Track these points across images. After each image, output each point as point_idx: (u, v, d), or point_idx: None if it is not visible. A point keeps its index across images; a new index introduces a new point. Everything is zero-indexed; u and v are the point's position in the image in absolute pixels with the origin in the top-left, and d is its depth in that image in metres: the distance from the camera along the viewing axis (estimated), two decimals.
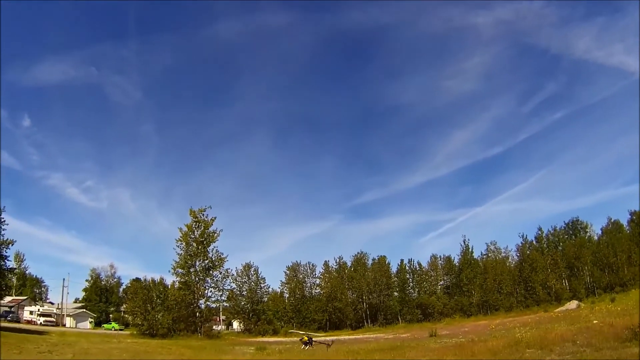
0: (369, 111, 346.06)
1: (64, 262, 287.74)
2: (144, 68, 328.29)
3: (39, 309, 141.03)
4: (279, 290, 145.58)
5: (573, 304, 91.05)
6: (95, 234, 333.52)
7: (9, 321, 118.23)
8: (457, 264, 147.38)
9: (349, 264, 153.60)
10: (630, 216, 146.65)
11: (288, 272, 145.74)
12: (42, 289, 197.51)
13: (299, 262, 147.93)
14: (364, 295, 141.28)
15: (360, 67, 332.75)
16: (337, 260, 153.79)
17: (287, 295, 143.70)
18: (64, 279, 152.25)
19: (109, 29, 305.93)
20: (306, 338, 59.09)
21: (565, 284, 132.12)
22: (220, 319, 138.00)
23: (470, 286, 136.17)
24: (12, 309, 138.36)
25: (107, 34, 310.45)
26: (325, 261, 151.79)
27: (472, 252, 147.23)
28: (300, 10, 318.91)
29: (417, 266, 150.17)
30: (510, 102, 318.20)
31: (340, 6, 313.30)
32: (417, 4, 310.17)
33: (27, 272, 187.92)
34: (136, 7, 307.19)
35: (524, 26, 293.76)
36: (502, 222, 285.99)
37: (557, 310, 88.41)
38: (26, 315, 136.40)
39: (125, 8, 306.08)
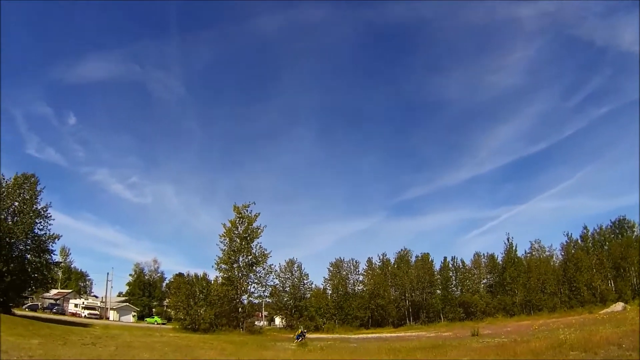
0: (412, 106, 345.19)
1: (108, 256, 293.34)
2: (186, 64, 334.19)
3: (83, 302, 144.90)
4: (321, 286, 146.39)
5: (619, 306, 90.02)
6: (139, 229, 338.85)
7: (55, 313, 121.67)
8: (500, 263, 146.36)
9: (392, 261, 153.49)
10: None
11: (331, 268, 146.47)
12: (87, 282, 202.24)
13: (342, 258, 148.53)
14: (406, 293, 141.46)
15: (403, 61, 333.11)
16: (381, 257, 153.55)
17: (330, 292, 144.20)
18: (108, 273, 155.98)
19: (150, 26, 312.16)
20: (299, 331, 59.95)
21: (611, 284, 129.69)
22: (263, 314, 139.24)
23: (514, 285, 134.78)
24: (58, 301, 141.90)
25: (149, 31, 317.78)
26: (369, 258, 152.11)
27: (515, 250, 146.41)
28: (340, 3, 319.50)
29: (461, 264, 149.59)
30: (554, 96, 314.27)
31: None
32: None
33: (72, 266, 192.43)
34: (177, 4, 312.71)
35: (568, 18, 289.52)
36: (546, 220, 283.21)
37: (602, 312, 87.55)
38: (71, 307, 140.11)
39: (166, 5, 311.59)
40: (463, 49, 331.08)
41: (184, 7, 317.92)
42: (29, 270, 79.04)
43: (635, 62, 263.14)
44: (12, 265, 75.12)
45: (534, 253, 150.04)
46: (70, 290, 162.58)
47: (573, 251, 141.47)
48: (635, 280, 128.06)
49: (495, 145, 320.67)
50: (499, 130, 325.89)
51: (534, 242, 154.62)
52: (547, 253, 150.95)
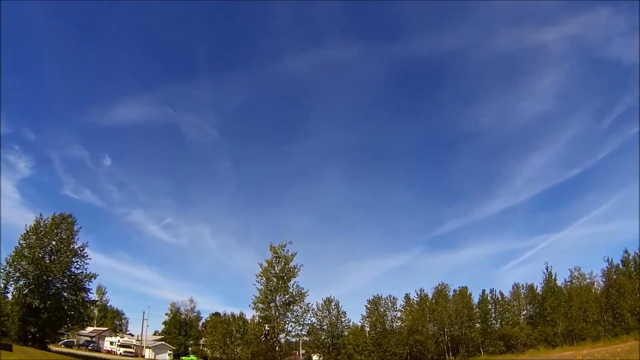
0: (443, 139, 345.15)
1: (144, 295, 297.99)
2: (218, 106, 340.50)
3: (119, 340, 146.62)
4: (359, 324, 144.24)
5: None
6: (175, 269, 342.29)
7: (90, 350, 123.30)
8: (540, 293, 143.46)
9: (430, 295, 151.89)
10: None
11: (369, 305, 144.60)
12: (123, 320, 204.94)
13: (379, 295, 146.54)
14: (445, 328, 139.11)
15: (432, 94, 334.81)
16: (418, 293, 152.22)
17: (368, 329, 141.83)
18: (143, 312, 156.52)
19: (181, 69, 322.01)
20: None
21: None
22: (300, 352, 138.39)
23: (555, 315, 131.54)
24: (93, 338, 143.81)
25: (180, 74, 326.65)
26: (406, 294, 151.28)
27: (555, 279, 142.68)
28: (366, 42, 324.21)
29: (499, 296, 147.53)
30: (586, 119, 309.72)
31: (406, 35, 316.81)
32: (481, 25, 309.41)
33: (108, 304, 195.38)
34: (205, 47, 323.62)
35: (593, 39, 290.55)
36: (585, 246, 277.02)
37: None
38: (106, 345, 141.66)
39: (195, 48, 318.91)
40: (491, 79, 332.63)
41: (212, 49, 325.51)
42: (66, 307, 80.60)
43: None
44: (49, 302, 76.62)
45: (574, 281, 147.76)
46: (106, 328, 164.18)
47: (615, 276, 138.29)
48: None
49: (529, 173, 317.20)
50: (532, 158, 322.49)
51: (573, 270, 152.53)
52: (588, 280, 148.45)
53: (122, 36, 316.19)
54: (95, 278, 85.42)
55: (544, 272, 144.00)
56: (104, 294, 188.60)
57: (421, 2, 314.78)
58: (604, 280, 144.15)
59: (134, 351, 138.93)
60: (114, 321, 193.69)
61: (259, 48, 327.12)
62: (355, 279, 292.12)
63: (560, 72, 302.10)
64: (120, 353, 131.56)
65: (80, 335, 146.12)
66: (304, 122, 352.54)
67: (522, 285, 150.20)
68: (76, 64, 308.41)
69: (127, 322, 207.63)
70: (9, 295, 78.95)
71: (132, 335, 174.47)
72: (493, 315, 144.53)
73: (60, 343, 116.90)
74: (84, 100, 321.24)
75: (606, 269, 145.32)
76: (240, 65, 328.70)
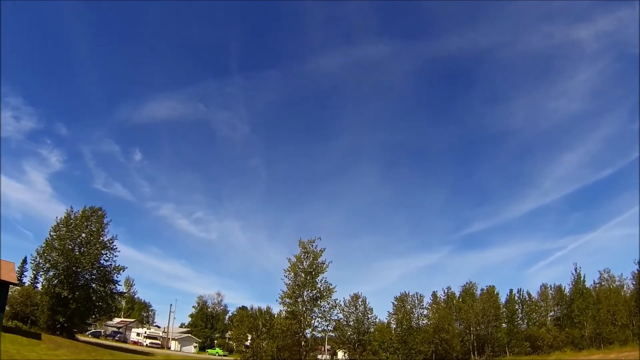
0: (474, 139, 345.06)
1: (172, 288, 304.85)
2: (250, 103, 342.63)
3: (145, 331, 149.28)
4: (386, 320, 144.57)
5: None
6: (204, 263, 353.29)
7: (117, 341, 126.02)
8: (568, 294, 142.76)
9: (457, 294, 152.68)
10: None
11: (395, 302, 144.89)
12: (150, 312, 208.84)
13: (407, 292, 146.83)
14: (471, 327, 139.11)
15: (463, 93, 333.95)
16: (445, 291, 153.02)
17: (394, 326, 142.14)
18: (171, 305, 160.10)
19: (213, 67, 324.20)
20: None
21: None
22: (325, 348, 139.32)
23: (582, 317, 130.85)
24: (120, 329, 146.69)
25: (213, 70, 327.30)
26: (434, 292, 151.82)
27: (584, 281, 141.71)
28: (398, 40, 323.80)
29: (527, 296, 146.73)
30: (619, 118, 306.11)
31: (439, 32, 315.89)
32: (514, 22, 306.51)
33: (136, 296, 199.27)
34: (237, 45, 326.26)
35: (628, 36, 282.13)
36: (616, 248, 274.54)
37: None
38: (133, 336, 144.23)
39: (227, 46, 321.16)
40: (523, 77, 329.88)
41: (244, 46, 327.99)
42: (94, 298, 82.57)
43: None
44: (77, 293, 78.58)
45: (603, 283, 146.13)
46: (133, 320, 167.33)
47: None
48: None
49: (560, 173, 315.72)
50: (563, 158, 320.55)
51: (603, 272, 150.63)
52: (618, 283, 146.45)
53: (156, 34, 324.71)
54: (123, 270, 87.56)
55: (572, 274, 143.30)
56: (132, 286, 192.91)
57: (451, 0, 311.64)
58: (634, 283, 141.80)
59: (160, 343, 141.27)
60: (141, 313, 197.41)
61: (291, 46, 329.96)
62: (384, 276, 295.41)
63: (593, 69, 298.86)
64: (147, 344, 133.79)
65: (108, 326, 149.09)
66: (335, 120, 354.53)
67: (550, 286, 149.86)
68: (109, 60, 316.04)
69: (154, 314, 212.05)
70: (39, 286, 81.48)
71: (158, 327, 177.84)
72: (520, 315, 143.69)
73: (87, 333, 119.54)
74: (116, 96, 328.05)
75: (636, 272, 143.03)
76: (272, 63, 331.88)
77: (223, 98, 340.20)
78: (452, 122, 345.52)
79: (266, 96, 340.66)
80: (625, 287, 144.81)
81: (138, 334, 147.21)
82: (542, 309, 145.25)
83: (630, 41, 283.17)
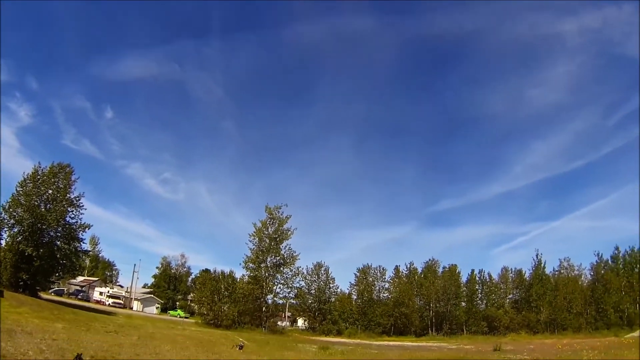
0: (451, 118, 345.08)
1: (137, 248, 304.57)
2: (227, 66, 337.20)
3: (108, 291, 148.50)
4: (347, 291, 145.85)
5: None
6: (169, 224, 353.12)
7: (79, 299, 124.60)
8: (527, 279, 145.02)
9: (419, 270, 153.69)
10: None
11: (358, 274, 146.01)
12: (113, 272, 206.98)
13: (369, 264, 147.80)
14: (431, 303, 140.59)
15: (444, 73, 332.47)
16: (408, 266, 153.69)
17: (355, 297, 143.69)
18: (135, 264, 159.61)
19: (193, 27, 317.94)
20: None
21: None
22: (286, 315, 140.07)
23: (540, 302, 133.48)
24: (83, 288, 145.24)
25: (191, 32, 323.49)
26: (396, 266, 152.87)
27: (544, 267, 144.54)
28: (384, 14, 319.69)
29: (488, 277, 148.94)
30: (595, 114, 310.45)
31: (425, 10, 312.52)
32: (502, 8, 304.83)
33: (100, 255, 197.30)
34: (220, 6, 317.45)
35: (612, 34, 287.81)
36: (578, 238, 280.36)
37: (628, 336, 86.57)
38: (96, 295, 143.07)
39: (209, 7, 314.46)
40: (505, 64, 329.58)
41: (226, 9, 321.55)
42: (58, 256, 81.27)
43: None
44: (41, 250, 77.26)
45: (562, 271, 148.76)
46: (96, 279, 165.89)
47: (603, 272, 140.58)
48: None
49: (531, 161, 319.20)
50: (536, 146, 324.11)
51: (563, 260, 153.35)
52: (576, 272, 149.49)
53: None
54: (89, 229, 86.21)
55: (533, 259, 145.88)
56: (97, 245, 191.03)
57: None
58: (592, 274, 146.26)
59: (122, 302, 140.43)
60: (105, 272, 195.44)
61: (274, 11, 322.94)
62: (349, 247, 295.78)
63: (574, 63, 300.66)
64: (109, 304, 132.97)
65: (71, 284, 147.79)
66: (313, 89, 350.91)
67: (511, 269, 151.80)
68: (86, 14, 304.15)
69: (117, 273, 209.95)
70: (3, 242, 79.69)
71: (121, 287, 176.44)
72: (479, 295, 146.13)
73: (50, 291, 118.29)
74: (90, 51, 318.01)
75: (595, 264, 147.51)
76: (253, 27, 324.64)
77: (200, 59, 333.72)
78: (430, 101, 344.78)
79: (244, 60, 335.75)
80: (583, 276, 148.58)
81: (101, 293, 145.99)
82: (502, 291, 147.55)
83: (613, 40, 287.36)
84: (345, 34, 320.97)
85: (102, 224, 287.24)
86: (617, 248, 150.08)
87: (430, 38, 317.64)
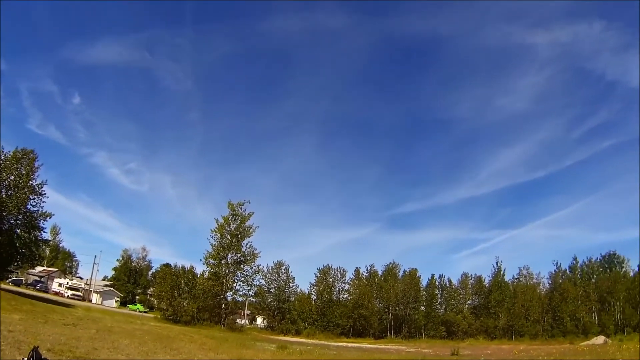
0: (418, 121, 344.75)
1: (98, 239, 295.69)
2: (198, 57, 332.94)
3: (67, 282, 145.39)
4: (307, 291, 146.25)
5: (600, 339, 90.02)
6: (132, 216, 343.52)
7: (38, 290, 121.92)
8: (487, 285, 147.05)
9: (380, 273, 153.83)
10: None
11: (318, 274, 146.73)
12: (73, 263, 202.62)
13: (330, 265, 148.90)
14: (390, 306, 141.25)
15: (415, 75, 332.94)
16: (368, 268, 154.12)
17: (315, 298, 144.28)
18: (95, 256, 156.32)
19: (166, 14, 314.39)
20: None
21: (595, 317, 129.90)
22: (245, 313, 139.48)
23: (498, 309, 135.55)
24: (42, 279, 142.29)
25: (164, 19, 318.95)
26: (357, 268, 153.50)
27: (503, 274, 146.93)
28: (359, 12, 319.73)
29: (447, 282, 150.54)
30: (560, 126, 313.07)
31: (400, 12, 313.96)
32: (477, 15, 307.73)
33: (60, 244, 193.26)
34: None
35: (582, 50, 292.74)
36: (537, 247, 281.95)
37: (583, 343, 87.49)
38: (55, 286, 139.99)
39: None
40: (475, 70, 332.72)
41: None
42: (17, 245, 79.23)
43: None
44: (0, 238, 75.28)
45: (521, 279, 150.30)
46: (56, 269, 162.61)
47: (560, 281, 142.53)
48: (619, 315, 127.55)
49: (496, 168, 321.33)
50: (501, 153, 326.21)
51: (522, 268, 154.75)
52: (535, 280, 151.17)
53: None
54: (50, 217, 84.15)
55: (493, 266, 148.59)
56: (57, 234, 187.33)
57: None
58: (550, 282, 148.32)
59: (81, 294, 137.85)
60: (65, 263, 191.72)
61: (250, 3, 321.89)
62: (310, 246, 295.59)
63: (543, 75, 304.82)
64: (68, 295, 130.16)
65: (30, 274, 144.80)
66: (282, 84, 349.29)
67: (471, 275, 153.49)
68: None
69: (77, 264, 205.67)
70: None
71: (81, 278, 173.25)
72: (439, 300, 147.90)
73: (8, 281, 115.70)
74: (61, 34, 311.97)
75: (553, 273, 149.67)
76: (227, 18, 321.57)
77: (171, 48, 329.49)
78: (399, 102, 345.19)
79: (215, 52, 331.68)
80: (541, 285, 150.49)
81: (60, 285, 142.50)
82: (461, 296, 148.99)
83: (582, 55, 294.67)
84: (318, 30, 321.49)
85: (64, 212, 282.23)
86: (575, 258, 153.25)
87: (403, 39, 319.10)
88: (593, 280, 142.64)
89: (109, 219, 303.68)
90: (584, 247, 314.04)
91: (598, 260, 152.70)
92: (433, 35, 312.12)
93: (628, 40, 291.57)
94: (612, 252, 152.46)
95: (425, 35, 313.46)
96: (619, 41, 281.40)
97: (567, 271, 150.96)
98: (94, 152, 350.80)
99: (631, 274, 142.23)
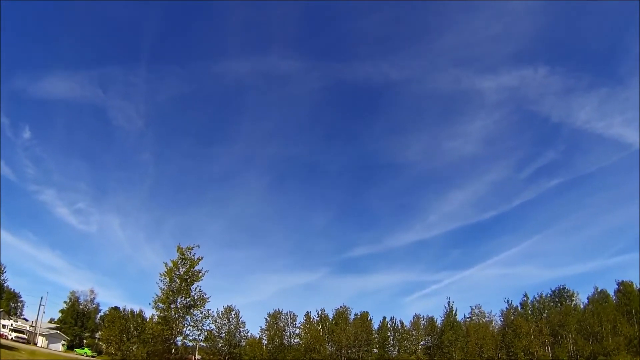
0: (368, 165, 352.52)
1: (45, 280, 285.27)
2: (150, 96, 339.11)
3: (12, 324, 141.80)
4: (257, 336, 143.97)
5: None
6: (80, 257, 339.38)
7: None
8: (439, 326, 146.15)
9: (331, 317, 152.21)
10: (617, 286, 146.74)
11: (269, 319, 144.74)
12: (19, 304, 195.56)
13: (280, 310, 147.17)
14: (343, 350, 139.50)
15: (366, 119, 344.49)
16: (319, 312, 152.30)
17: (266, 342, 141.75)
18: (41, 297, 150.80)
19: (121, 52, 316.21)
20: None
21: (549, 351, 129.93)
22: (196, 358, 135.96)
23: (452, 348, 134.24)
24: None
25: (119, 57, 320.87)
26: (307, 312, 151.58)
27: (455, 314, 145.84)
28: (311, 56, 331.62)
29: (399, 324, 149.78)
30: (508, 167, 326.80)
31: (352, 57, 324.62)
32: (427, 62, 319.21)
33: (5, 284, 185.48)
34: (151, 35, 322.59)
35: (528, 93, 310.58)
36: (489, 286, 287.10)
37: None
38: None
39: (140, 34, 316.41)
40: (425, 114, 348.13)
41: (157, 39, 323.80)
42: None
43: (587, 138, 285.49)
44: None
45: (473, 318, 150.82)
46: None
47: (512, 317, 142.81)
48: (572, 347, 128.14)
49: (446, 210, 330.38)
50: (451, 195, 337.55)
51: (474, 307, 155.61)
52: (487, 318, 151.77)
53: (70, 7, 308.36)
54: None
55: (445, 307, 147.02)
56: (2, 273, 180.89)
57: (373, 28, 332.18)
58: (502, 320, 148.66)
59: (26, 337, 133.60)
60: (10, 303, 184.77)
61: (204, 45, 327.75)
62: (260, 290, 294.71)
63: (491, 118, 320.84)
64: (12, 338, 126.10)
65: None
66: (233, 126, 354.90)
67: (423, 316, 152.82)
68: (13, 26, 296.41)
69: (23, 305, 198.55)
70: None
71: (26, 320, 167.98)
72: (391, 342, 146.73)
73: None
74: (15, 65, 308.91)
75: (505, 310, 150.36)
76: (182, 59, 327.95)
77: (124, 87, 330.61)
78: (348, 145, 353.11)
79: (168, 91, 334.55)
80: (494, 322, 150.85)
81: (4, 326, 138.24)
82: (414, 337, 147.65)
83: (528, 98, 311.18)
84: (270, 74, 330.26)
85: (9, 250, 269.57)
86: (525, 295, 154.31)
87: (354, 83, 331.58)
88: (544, 315, 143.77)
89: (56, 260, 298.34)
90: (534, 284, 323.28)
91: (548, 295, 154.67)
92: (384, 80, 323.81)
93: (571, 83, 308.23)
94: (561, 287, 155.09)
95: (376, 80, 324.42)
96: (563, 85, 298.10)
97: (519, 307, 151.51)
98: (43, 189, 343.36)
99: (581, 306, 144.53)
